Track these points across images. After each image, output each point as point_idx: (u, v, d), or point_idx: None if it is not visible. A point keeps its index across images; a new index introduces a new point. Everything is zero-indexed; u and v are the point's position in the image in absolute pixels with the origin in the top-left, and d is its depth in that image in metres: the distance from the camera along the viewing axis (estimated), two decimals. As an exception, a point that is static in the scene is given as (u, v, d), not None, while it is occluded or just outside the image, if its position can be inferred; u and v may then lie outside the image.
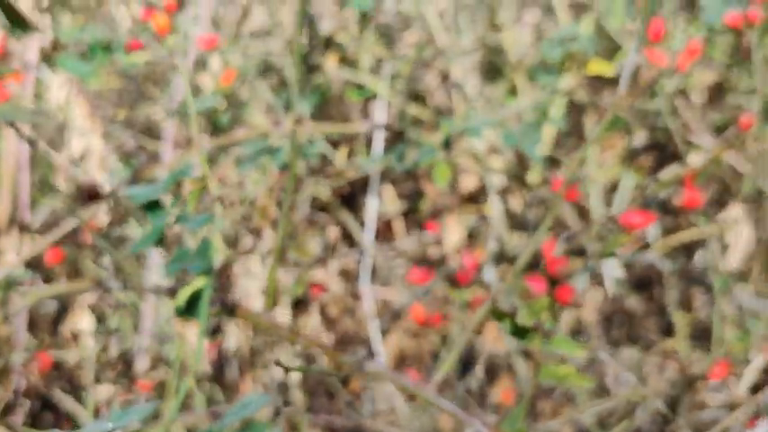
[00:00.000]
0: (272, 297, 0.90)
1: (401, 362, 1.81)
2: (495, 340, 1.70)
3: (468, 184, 1.83)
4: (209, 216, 0.85)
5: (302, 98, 1.40)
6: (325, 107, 1.93)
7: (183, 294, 0.86)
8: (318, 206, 1.78)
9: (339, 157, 1.37)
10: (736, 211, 1.18)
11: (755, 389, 1.05)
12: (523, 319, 0.88)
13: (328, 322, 1.80)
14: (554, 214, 0.89)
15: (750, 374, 0.98)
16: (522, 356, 1.63)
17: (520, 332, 0.91)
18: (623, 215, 0.99)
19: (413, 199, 1.98)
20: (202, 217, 0.86)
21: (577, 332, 1.84)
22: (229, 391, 1.51)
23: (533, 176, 1.48)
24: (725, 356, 1.09)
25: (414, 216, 1.96)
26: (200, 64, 1.44)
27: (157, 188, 0.88)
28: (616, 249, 0.91)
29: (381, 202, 1.84)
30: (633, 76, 1.38)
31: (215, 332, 1.22)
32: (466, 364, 1.75)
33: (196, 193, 0.87)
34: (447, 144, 1.19)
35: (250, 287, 1.33)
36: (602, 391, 1.63)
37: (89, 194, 1.16)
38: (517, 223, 1.59)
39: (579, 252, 1.04)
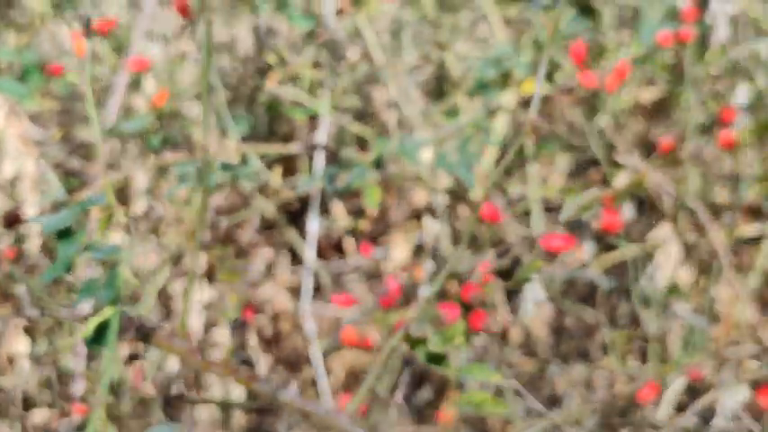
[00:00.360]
0: (184, 323, 0.90)
1: (355, 379, 1.81)
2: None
3: (419, 200, 1.83)
4: (115, 246, 0.85)
5: (238, 118, 1.40)
6: (277, 124, 1.92)
7: (92, 324, 0.85)
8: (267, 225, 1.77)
9: (274, 176, 1.36)
10: (664, 229, 1.18)
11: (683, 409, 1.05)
12: (436, 345, 0.87)
13: (275, 342, 1.79)
14: (468, 235, 0.89)
15: (671, 396, 0.98)
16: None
17: (434, 359, 0.91)
18: (544, 238, 0.99)
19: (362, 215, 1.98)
20: (110, 247, 0.85)
21: (527, 347, 1.84)
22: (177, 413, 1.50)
23: (476, 194, 1.48)
24: (657, 375, 1.09)
25: (366, 232, 1.95)
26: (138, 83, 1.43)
27: (66, 216, 0.87)
28: (531, 274, 0.91)
29: (333, 219, 1.83)
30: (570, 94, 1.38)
31: (133, 358, 1.21)
32: (420, 380, 1.75)
33: (105, 222, 0.87)
34: (379, 164, 1.19)
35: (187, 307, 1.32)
36: (552, 405, 1.64)
37: (9, 219, 1.14)
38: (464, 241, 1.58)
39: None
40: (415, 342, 0.88)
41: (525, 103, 1.55)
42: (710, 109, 1.37)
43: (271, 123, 1.89)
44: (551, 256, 1.06)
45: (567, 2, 1.48)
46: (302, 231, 1.72)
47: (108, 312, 0.85)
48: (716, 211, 1.38)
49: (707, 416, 0.95)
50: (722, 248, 1.15)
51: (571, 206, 0.94)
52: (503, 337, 1.79)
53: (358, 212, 1.97)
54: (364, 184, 1.17)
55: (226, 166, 1.22)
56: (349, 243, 1.84)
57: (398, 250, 1.62)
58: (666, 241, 1.18)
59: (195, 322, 1.37)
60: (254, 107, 1.91)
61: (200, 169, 0.89)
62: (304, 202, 1.89)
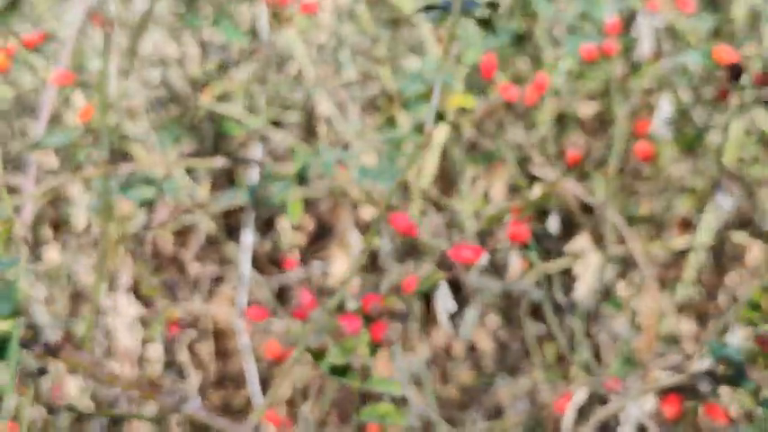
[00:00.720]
0: (89, 337, 0.89)
1: (298, 393, 1.81)
2: (386, 369, 1.70)
3: (366, 213, 1.83)
4: (14, 259, 0.84)
5: (172, 132, 1.40)
6: (224, 140, 1.93)
7: (-9, 338, 0.85)
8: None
9: (202, 191, 1.36)
10: (583, 240, 1.19)
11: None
12: (337, 357, 0.87)
13: (224, 357, 1.79)
14: (368, 243, 0.89)
15: (574, 406, 0.98)
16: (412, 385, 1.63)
17: (337, 371, 0.91)
18: (452, 249, 0.99)
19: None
20: (9, 260, 0.85)
21: (474, 359, 1.85)
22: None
23: (413, 208, 1.48)
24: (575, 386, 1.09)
25: (312, 246, 1.95)
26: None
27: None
28: (431, 285, 0.91)
29: (282, 233, 1.84)
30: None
31: (42, 373, 1.20)
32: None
33: (4, 235, 0.87)
34: (303, 178, 1.19)
35: (117, 323, 1.32)
36: (496, 416, 1.64)
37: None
38: (403, 254, 1.59)
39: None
40: (317, 354, 0.88)
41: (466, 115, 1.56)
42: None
43: (216, 139, 1.89)
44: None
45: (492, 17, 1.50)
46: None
47: (6, 326, 0.85)
48: (647, 223, 1.40)
49: (613, 425, 0.95)
50: (643, 260, 1.16)
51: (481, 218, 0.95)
52: (447, 351, 1.80)
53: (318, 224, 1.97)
54: (287, 199, 1.17)
55: (150, 181, 1.23)
56: (294, 257, 1.85)
57: (338, 264, 1.62)
58: (585, 253, 1.19)
59: (127, 338, 1.37)
60: (203, 122, 1.92)
61: (103, 185, 0.89)
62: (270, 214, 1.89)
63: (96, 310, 0.90)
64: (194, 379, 1.41)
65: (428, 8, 0.89)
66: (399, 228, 1.03)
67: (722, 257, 1.49)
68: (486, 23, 0.90)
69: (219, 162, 1.21)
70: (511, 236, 0.99)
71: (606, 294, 1.30)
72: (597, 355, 1.38)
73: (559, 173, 1.08)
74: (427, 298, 1.85)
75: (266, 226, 2.06)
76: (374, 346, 0.91)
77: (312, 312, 1.00)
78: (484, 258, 1.03)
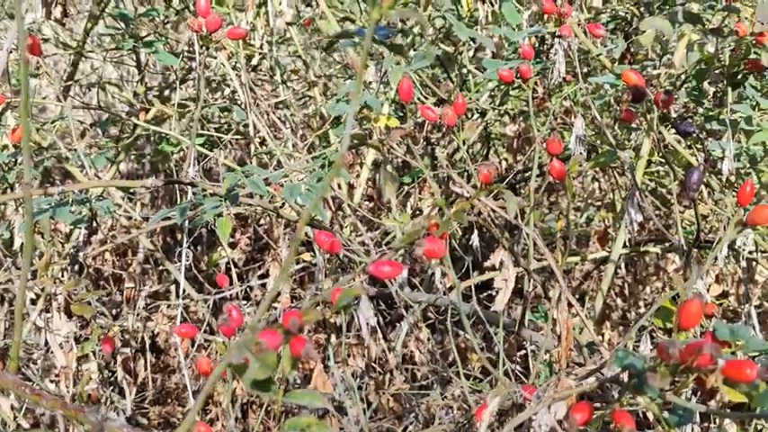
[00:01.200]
0: (15, 357, 0.91)
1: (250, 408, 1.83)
2: (323, 385, 1.74)
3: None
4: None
5: (105, 154, 1.42)
6: (162, 160, 1.95)
7: None
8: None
9: (135, 211, 1.38)
10: (501, 255, 1.24)
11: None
12: (257, 372, 0.91)
13: (168, 373, 1.81)
14: (291, 262, 0.93)
15: (488, 414, 1.03)
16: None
17: (259, 385, 0.94)
18: (373, 264, 1.04)
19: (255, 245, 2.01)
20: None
21: (411, 368, 1.89)
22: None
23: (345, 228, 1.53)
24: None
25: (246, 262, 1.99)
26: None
27: None
28: (350, 300, 0.95)
29: (223, 251, 1.86)
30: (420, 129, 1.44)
31: None
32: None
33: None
34: (233, 197, 1.23)
35: (52, 341, 1.33)
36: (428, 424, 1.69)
37: None
38: (337, 270, 1.63)
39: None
40: (239, 368, 0.92)
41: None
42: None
43: (157, 159, 1.92)
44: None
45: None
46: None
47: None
48: (566, 237, 1.45)
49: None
50: (559, 273, 1.21)
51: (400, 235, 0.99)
52: (382, 362, 1.84)
53: (256, 241, 2.00)
54: (216, 217, 1.20)
55: (81, 201, 1.25)
56: (230, 274, 1.87)
57: (274, 279, 1.65)
58: (504, 266, 1.24)
59: (62, 357, 1.38)
60: (142, 142, 1.94)
61: (27, 205, 0.91)
62: (212, 232, 1.91)
63: (20, 332, 0.92)
64: (130, 395, 1.42)
65: (341, 36, 0.94)
66: (322, 245, 1.08)
67: (640, 269, 1.57)
68: (397, 49, 0.95)
69: (150, 183, 1.24)
70: (426, 252, 1.04)
71: (533, 305, 1.35)
72: (526, 365, 1.43)
73: (474, 190, 1.13)
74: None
75: (214, 244, 2.08)
76: (295, 361, 0.94)
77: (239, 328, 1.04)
78: (404, 273, 1.08)
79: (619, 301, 1.76)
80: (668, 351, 0.90)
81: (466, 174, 1.36)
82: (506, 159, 1.84)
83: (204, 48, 1.25)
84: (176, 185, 1.47)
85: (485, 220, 1.19)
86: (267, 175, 1.24)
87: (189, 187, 1.46)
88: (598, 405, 1.02)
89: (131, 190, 1.62)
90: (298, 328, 0.97)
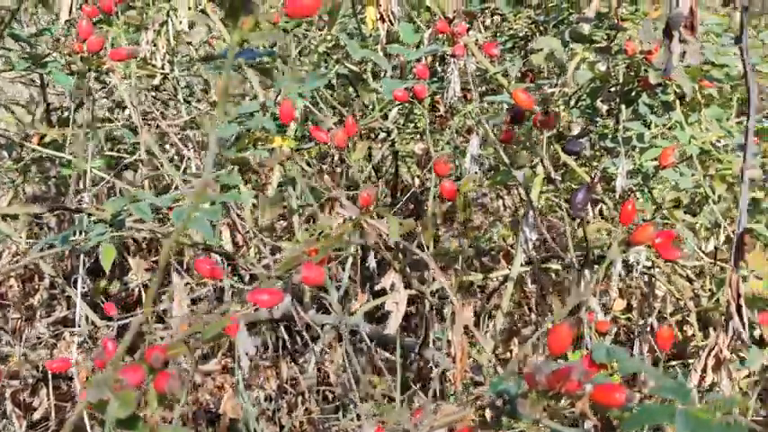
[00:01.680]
0: None
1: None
2: (233, 410, 1.71)
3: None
4: None
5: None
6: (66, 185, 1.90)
7: None
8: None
9: (21, 238, 1.35)
10: (393, 277, 1.23)
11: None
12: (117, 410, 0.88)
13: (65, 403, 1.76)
14: (154, 289, 0.91)
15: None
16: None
17: (124, 423, 0.92)
18: (250, 293, 1.02)
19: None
20: None
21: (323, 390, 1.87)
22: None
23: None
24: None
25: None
26: None
27: None
28: (215, 332, 0.93)
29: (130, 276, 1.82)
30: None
31: None
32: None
33: None
34: (119, 224, 1.20)
35: None
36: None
37: None
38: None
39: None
40: (97, 407, 0.89)
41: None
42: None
43: (61, 183, 1.87)
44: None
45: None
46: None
47: None
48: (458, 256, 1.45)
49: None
50: (451, 293, 1.21)
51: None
52: (294, 384, 1.82)
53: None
54: (101, 243, 1.18)
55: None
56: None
57: (177, 307, 1.62)
58: (395, 289, 1.23)
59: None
60: (49, 165, 1.90)
61: None
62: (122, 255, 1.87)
63: None
64: (21, 429, 1.38)
65: (205, 59, 0.92)
66: (202, 272, 1.05)
67: (546, 284, 1.57)
68: (265, 72, 0.94)
69: (37, 209, 1.21)
70: (304, 279, 1.02)
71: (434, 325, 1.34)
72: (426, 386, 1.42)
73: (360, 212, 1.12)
74: (290, 331, 1.87)
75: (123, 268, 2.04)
76: (161, 397, 0.92)
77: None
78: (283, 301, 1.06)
79: (533, 316, 1.76)
80: (534, 377, 0.90)
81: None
82: (419, 176, 1.83)
83: (88, 69, 1.22)
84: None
85: (375, 242, 1.18)
86: (153, 200, 1.21)
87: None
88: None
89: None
90: (162, 363, 0.94)
